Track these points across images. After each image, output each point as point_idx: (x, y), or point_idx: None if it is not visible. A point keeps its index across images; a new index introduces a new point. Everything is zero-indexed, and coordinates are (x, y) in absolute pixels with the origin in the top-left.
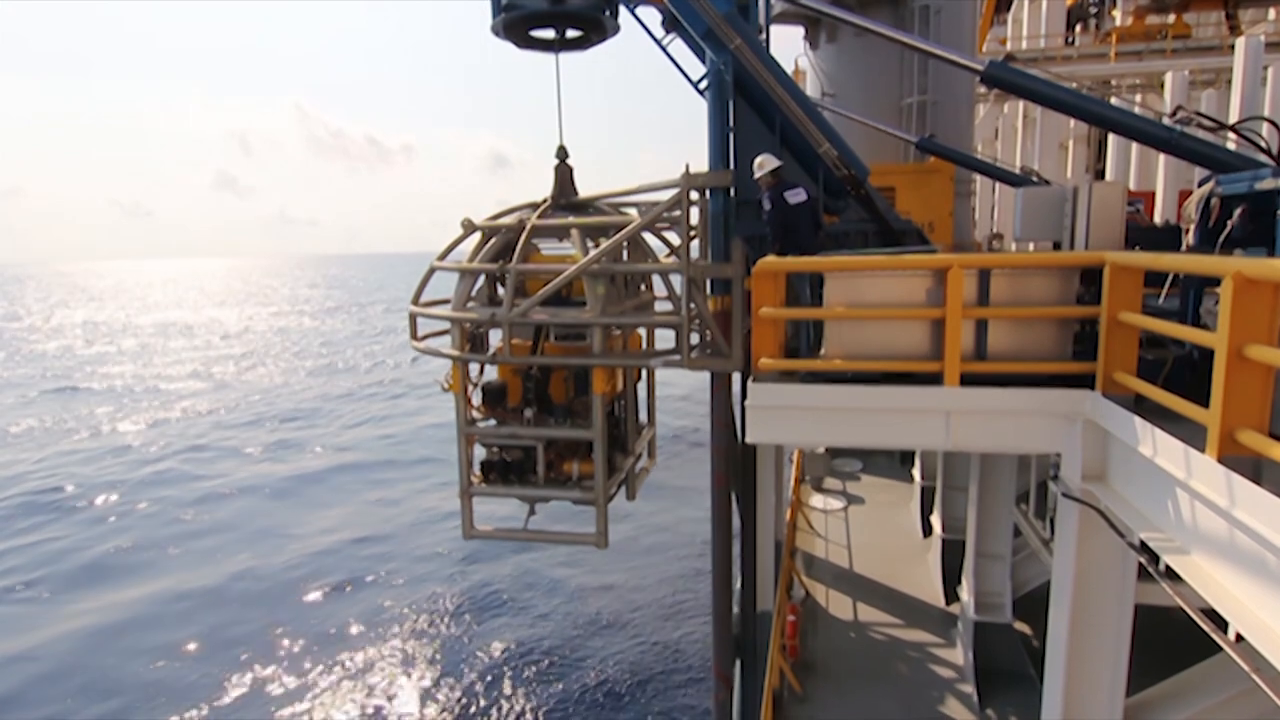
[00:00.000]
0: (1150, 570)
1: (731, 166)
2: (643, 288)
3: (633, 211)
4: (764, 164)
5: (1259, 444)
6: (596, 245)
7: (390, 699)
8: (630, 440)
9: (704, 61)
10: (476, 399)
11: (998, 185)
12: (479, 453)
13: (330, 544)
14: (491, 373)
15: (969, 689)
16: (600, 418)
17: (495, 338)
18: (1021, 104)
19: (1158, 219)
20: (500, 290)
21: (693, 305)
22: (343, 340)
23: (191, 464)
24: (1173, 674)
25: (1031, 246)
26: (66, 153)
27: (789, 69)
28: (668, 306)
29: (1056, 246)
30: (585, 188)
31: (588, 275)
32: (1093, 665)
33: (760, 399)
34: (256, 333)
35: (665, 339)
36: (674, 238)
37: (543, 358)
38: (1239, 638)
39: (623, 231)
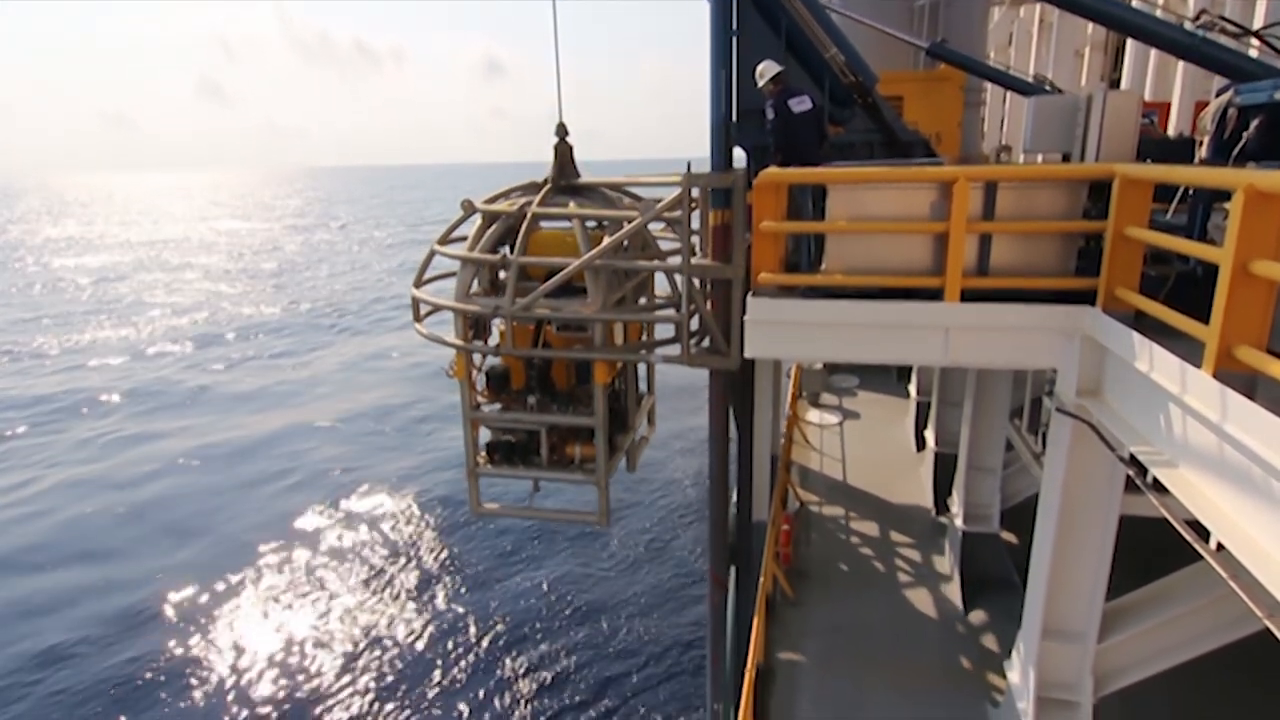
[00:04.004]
0: (1138, 482)
1: (733, 71)
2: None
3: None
4: (765, 71)
5: (1256, 360)
6: (600, 227)
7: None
8: (631, 415)
9: None
10: (480, 383)
11: (1008, 95)
12: (484, 433)
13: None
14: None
15: (954, 594)
16: (601, 406)
17: (498, 318)
18: (1038, 7)
19: (1171, 131)
20: (502, 275)
21: (693, 304)
22: None
23: None
24: (1150, 581)
25: (1040, 159)
26: (41, 55)
27: None
28: (667, 286)
29: (1066, 159)
30: (585, 110)
31: (589, 269)
32: (1075, 572)
33: (759, 314)
34: None
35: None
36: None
37: (545, 351)
38: (1219, 547)
39: (622, 231)
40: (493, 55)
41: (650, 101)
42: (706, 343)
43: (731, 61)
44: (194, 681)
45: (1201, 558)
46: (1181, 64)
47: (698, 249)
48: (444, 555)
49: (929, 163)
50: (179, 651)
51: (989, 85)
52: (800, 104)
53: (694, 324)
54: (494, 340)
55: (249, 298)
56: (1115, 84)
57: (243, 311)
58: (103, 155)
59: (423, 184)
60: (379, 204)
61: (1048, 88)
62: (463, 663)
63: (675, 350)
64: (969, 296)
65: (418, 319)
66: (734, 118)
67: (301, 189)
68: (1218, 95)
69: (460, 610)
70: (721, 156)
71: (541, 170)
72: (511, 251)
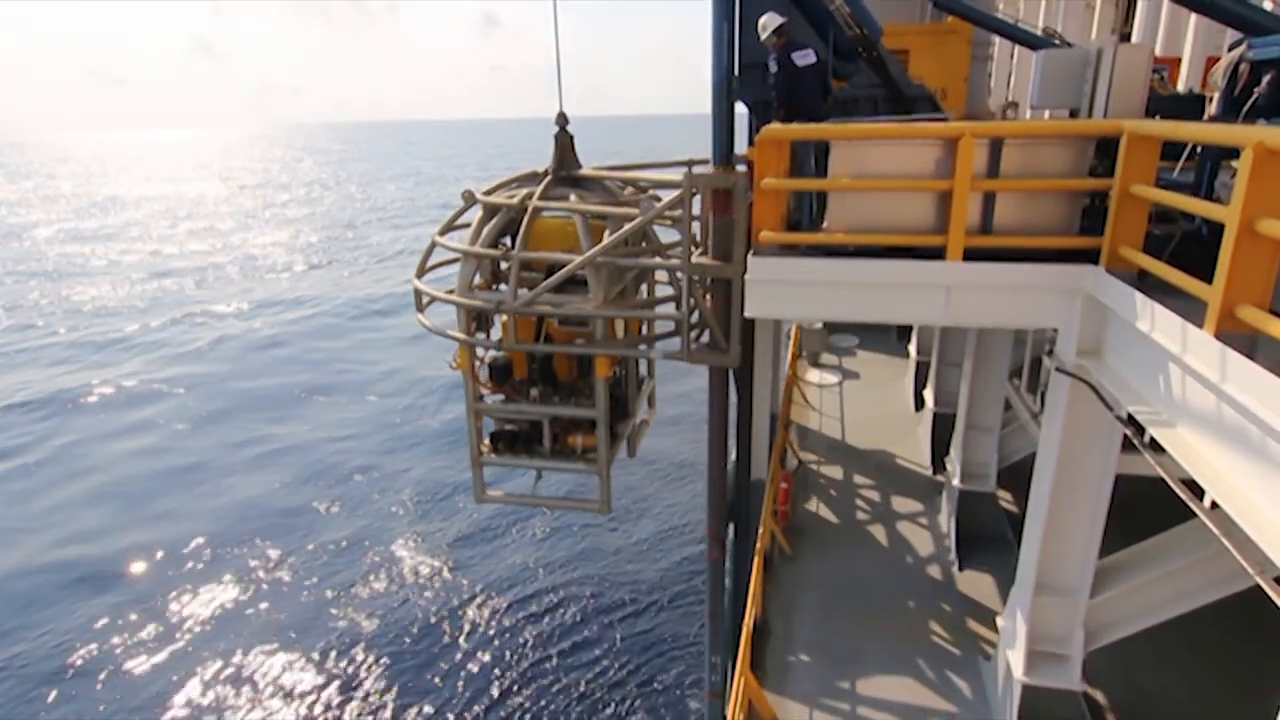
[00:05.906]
0: (1135, 442)
1: (736, 24)
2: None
3: (637, 179)
4: (768, 24)
5: (1258, 320)
6: (602, 222)
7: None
8: (631, 403)
9: None
10: (484, 374)
11: (1016, 48)
12: (488, 423)
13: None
14: None
15: (950, 551)
16: (603, 399)
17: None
18: None
19: (1181, 87)
20: (504, 265)
21: (692, 301)
22: None
23: None
24: (1143, 539)
25: (1047, 115)
26: (30, 11)
27: None
28: (667, 274)
29: (1074, 115)
30: (585, 65)
31: (591, 265)
32: (1070, 529)
33: (760, 273)
34: None
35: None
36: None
37: (547, 345)
38: (1214, 505)
39: (623, 229)
40: (489, 8)
41: (653, 55)
42: (706, 337)
43: (734, 13)
44: (196, 672)
45: (1194, 516)
46: (1194, 17)
47: (697, 236)
48: (448, 536)
49: (934, 119)
50: (174, 649)
51: (997, 39)
52: (804, 58)
53: (694, 318)
54: (496, 332)
55: (244, 279)
56: (1126, 38)
57: (240, 294)
58: (92, 114)
59: (424, 141)
60: (372, 164)
61: (1057, 41)
62: (471, 624)
63: (675, 344)
64: (971, 255)
65: (420, 310)
66: (736, 72)
67: (298, 148)
68: (1230, 50)
69: (464, 577)
70: (723, 112)
71: (543, 126)
72: (513, 244)
